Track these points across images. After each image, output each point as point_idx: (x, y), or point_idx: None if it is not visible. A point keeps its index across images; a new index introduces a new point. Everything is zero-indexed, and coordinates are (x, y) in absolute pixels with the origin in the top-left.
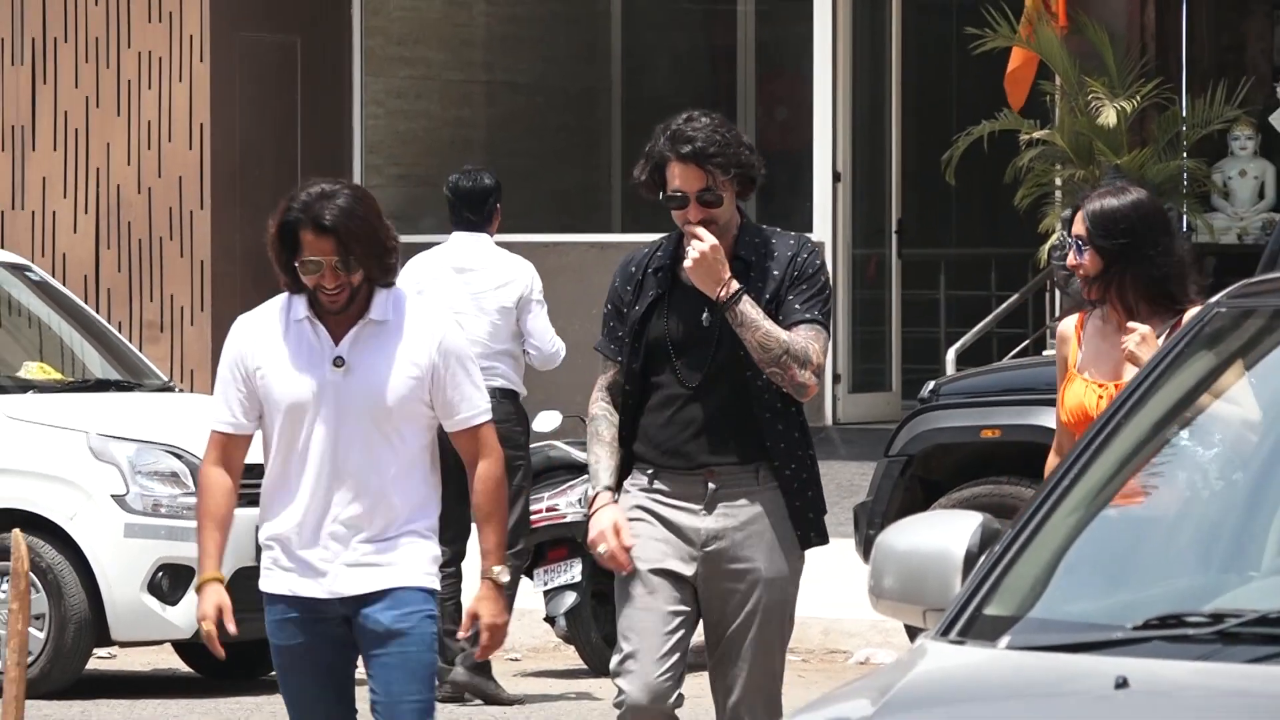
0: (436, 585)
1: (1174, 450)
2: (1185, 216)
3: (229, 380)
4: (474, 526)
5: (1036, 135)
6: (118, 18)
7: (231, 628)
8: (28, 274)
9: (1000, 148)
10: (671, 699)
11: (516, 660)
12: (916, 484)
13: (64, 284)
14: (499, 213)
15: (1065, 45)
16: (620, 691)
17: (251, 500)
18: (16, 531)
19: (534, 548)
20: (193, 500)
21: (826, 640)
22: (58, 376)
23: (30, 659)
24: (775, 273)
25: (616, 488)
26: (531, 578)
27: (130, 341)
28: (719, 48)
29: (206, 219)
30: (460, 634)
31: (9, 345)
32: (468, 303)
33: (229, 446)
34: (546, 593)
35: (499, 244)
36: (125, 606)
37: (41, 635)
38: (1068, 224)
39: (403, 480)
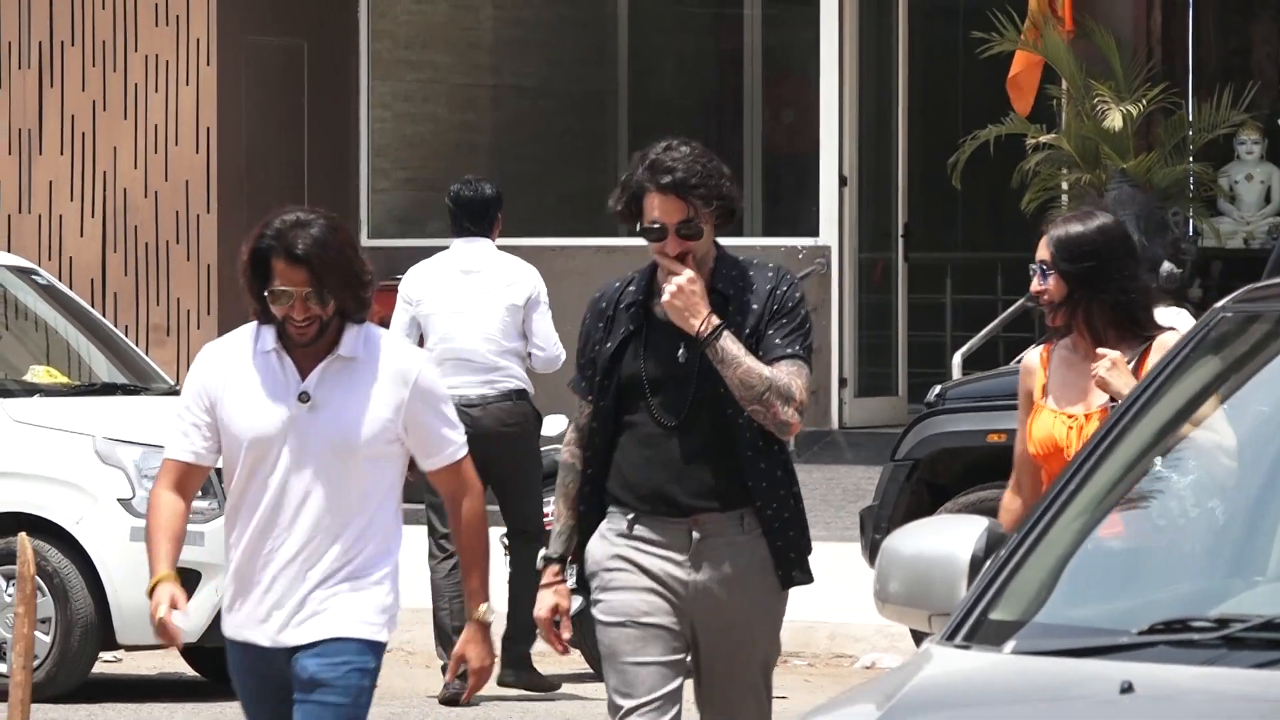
0: (380, 637)
1: (1180, 455)
2: (1192, 221)
3: (191, 409)
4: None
5: (1043, 139)
6: (124, 21)
7: (182, 621)
8: (34, 277)
9: (1006, 152)
10: None
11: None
12: (923, 488)
13: (70, 287)
14: (500, 222)
15: (1071, 49)
16: None
17: None
18: (22, 535)
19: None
20: (200, 504)
21: (833, 645)
22: (64, 380)
23: (36, 662)
24: (754, 306)
25: (563, 559)
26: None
27: (136, 345)
28: (726, 52)
29: (213, 223)
30: (448, 677)
31: (15, 349)
32: (478, 301)
33: (184, 476)
34: None
35: (504, 247)
36: (131, 610)
37: (47, 639)
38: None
39: (364, 521)
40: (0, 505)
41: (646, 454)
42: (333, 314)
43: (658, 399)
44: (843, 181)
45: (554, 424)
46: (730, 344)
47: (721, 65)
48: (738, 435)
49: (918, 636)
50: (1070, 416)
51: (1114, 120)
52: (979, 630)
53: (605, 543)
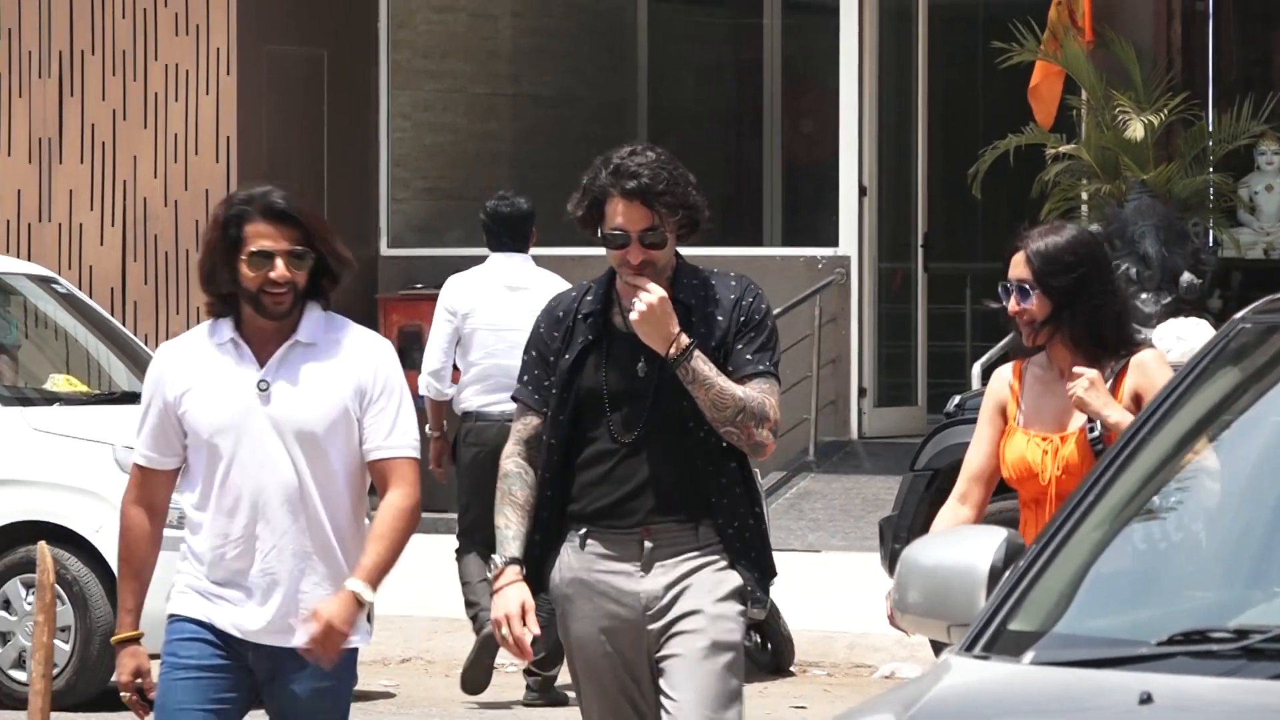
0: (363, 641)
1: (1199, 466)
2: (1212, 232)
3: (149, 410)
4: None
5: (1063, 150)
6: (145, 31)
7: (152, 695)
8: (54, 286)
9: (1026, 162)
10: None
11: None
12: (942, 498)
13: (90, 296)
14: (534, 235)
15: (1091, 60)
16: None
17: None
18: (42, 544)
19: None
20: None
21: (852, 655)
22: (84, 389)
23: (56, 671)
24: (719, 318)
25: (524, 560)
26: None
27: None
28: (745, 61)
29: None
30: (302, 642)
31: (35, 357)
32: (526, 319)
33: (150, 482)
34: None
35: (537, 257)
36: (151, 619)
37: (67, 647)
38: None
39: (334, 517)
40: (20, 514)
41: (602, 470)
42: (305, 284)
43: (616, 414)
44: (862, 191)
45: None
46: (702, 364)
47: (741, 75)
48: (697, 450)
49: (937, 647)
50: (1044, 439)
51: (1135, 130)
52: (998, 641)
53: (561, 568)
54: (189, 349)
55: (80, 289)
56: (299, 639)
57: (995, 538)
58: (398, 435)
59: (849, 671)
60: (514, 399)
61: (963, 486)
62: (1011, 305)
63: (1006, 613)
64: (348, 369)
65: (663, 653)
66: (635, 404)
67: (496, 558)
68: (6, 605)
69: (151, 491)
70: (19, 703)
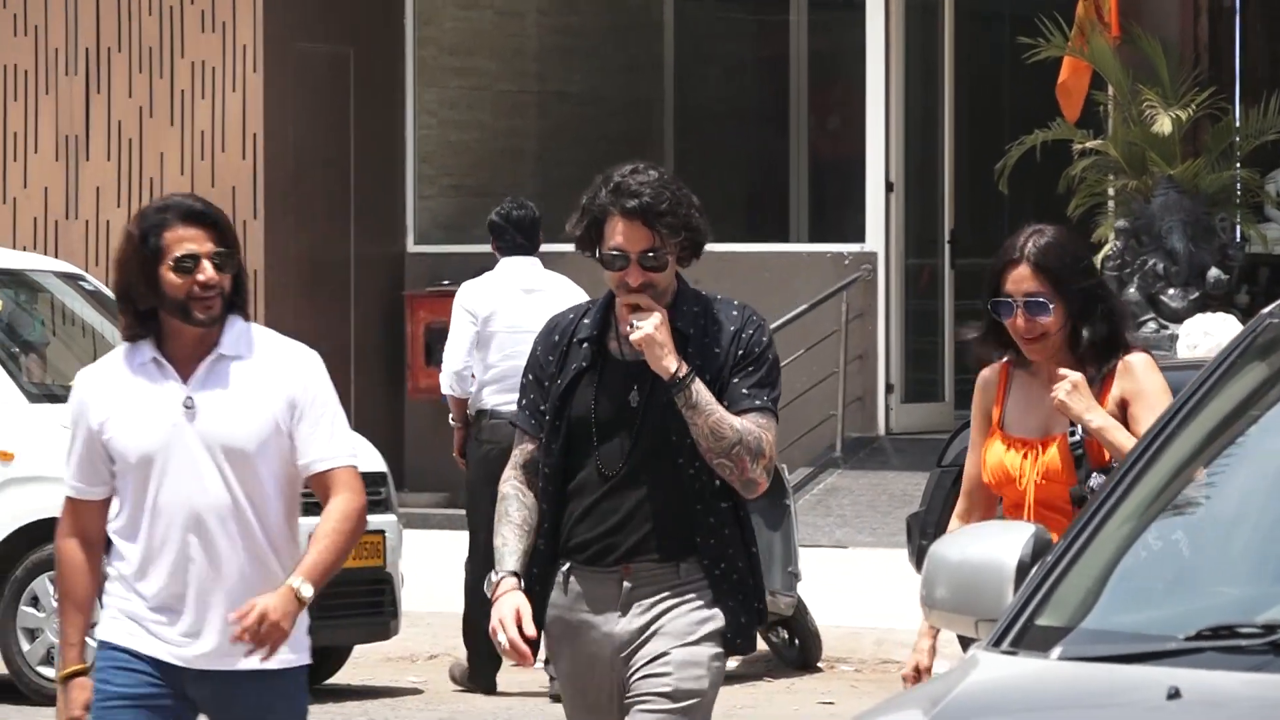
0: (306, 659)
1: (1227, 461)
2: (1239, 227)
3: (74, 439)
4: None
5: (1089, 145)
6: (171, 28)
7: None
8: (81, 283)
9: (1053, 157)
10: None
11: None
12: None
13: None
14: (541, 238)
15: (1118, 55)
16: None
17: (304, 509)
18: None
19: None
20: None
21: (879, 650)
22: None
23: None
24: (717, 350)
25: (523, 574)
26: None
27: None
28: (771, 58)
29: (260, 229)
30: (232, 616)
31: (63, 354)
32: (543, 321)
33: (81, 513)
34: None
35: (550, 255)
36: None
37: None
38: (992, 285)
39: (269, 535)
40: (47, 510)
41: (587, 502)
42: (229, 290)
43: (604, 445)
44: (889, 187)
45: None
46: (704, 391)
47: (767, 72)
48: (686, 487)
49: (964, 642)
50: (1024, 443)
51: (1162, 125)
52: (1026, 636)
53: (550, 605)
54: (109, 373)
55: (107, 286)
56: (242, 661)
57: (1023, 533)
58: (335, 446)
59: (876, 667)
60: (512, 424)
61: (964, 501)
62: (1018, 323)
63: (1034, 608)
64: (276, 381)
65: (629, 696)
66: (624, 435)
67: (493, 574)
68: (35, 602)
69: (84, 523)
70: (48, 699)
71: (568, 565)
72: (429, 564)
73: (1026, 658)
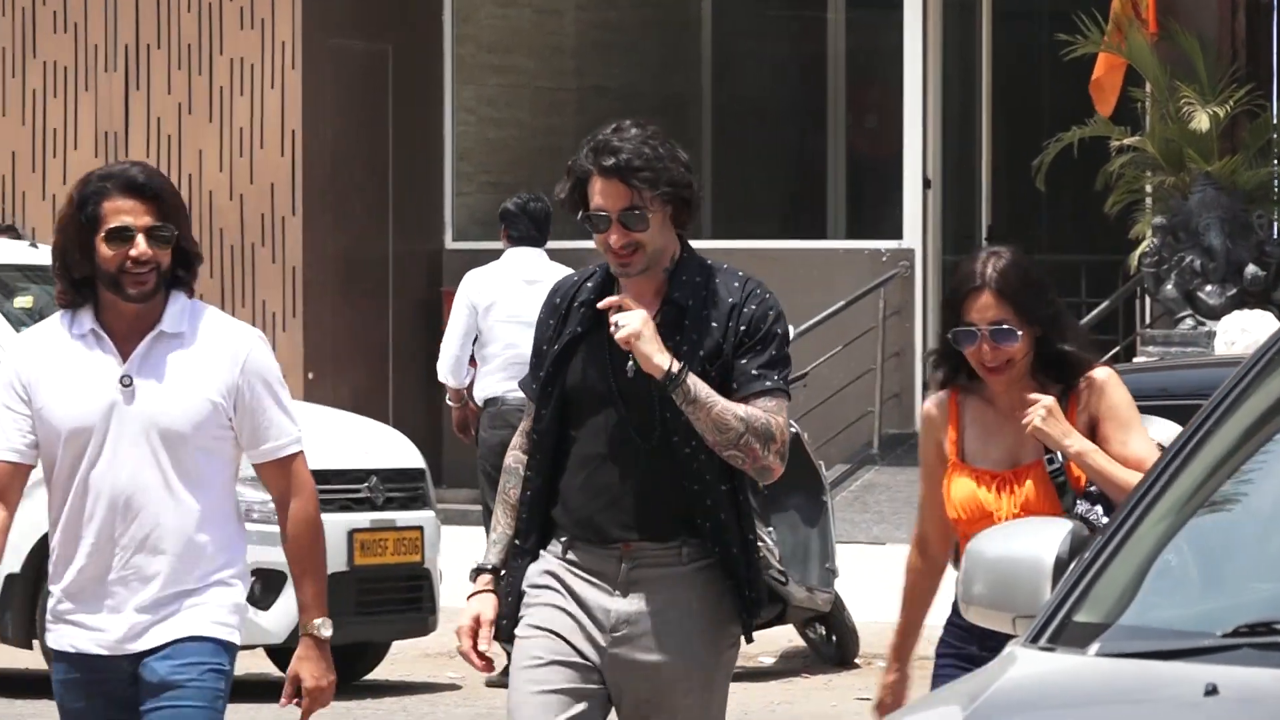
0: (233, 638)
1: (1265, 458)
2: (1276, 224)
3: (5, 404)
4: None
5: (1127, 142)
6: (210, 25)
7: None
8: None
9: (1091, 154)
10: None
11: None
12: None
13: None
14: (550, 232)
15: (1155, 52)
16: None
17: (343, 506)
18: None
19: None
20: None
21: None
22: None
23: None
24: (714, 324)
25: (496, 570)
26: None
27: None
28: (809, 55)
29: (298, 225)
30: (282, 701)
31: None
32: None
33: (6, 477)
34: None
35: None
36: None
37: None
38: (952, 315)
39: (204, 515)
40: None
41: (583, 476)
42: (167, 268)
43: (598, 416)
44: (926, 184)
45: None
46: (701, 383)
47: (805, 69)
48: (684, 467)
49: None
50: (993, 476)
51: (1200, 122)
52: (1063, 632)
53: (541, 560)
54: (46, 339)
55: None
56: (156, 637)
57: (1060, 529)
58: (280, 430)
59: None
60: (520, 386)
61: (919, 529)
62: (982, 352)
63: (1072, 604)
64: (217, 362)
65: (613, 677)
66: (618, 407)
67: (474, 566)
68: None
69: (5, 486)
70: None
71: (565, 538)
72: (467, 560)
73: (1064, 654)
